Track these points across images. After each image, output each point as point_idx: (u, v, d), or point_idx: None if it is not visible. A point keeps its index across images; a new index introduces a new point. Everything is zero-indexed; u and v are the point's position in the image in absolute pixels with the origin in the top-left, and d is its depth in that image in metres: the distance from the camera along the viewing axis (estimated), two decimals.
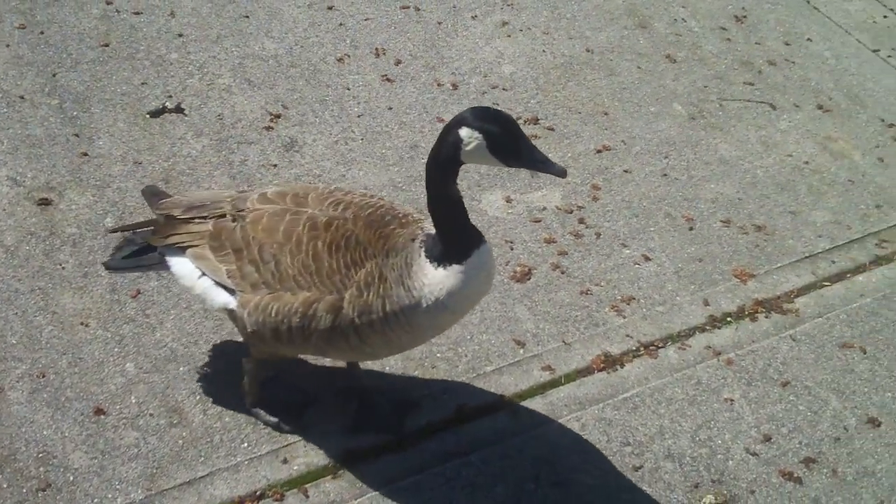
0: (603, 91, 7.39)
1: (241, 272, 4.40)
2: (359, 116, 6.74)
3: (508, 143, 3.94)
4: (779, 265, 6.30)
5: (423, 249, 4.23)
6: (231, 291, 4.48)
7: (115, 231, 5.36)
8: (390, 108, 6.86)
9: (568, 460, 5.03)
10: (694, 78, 7.67)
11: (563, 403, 5.29)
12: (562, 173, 3.97)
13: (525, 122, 6.94)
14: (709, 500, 4.94)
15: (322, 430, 4.96)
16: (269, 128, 6.51)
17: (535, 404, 5.23)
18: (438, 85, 7.14)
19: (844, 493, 5.09)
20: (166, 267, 4.71)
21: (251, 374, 4.88)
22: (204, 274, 4.55)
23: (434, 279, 4.18)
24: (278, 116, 6.62)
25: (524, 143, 3.96)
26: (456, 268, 4.16)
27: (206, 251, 4.51)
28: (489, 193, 6.38)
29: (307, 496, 4.69)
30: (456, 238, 4.18)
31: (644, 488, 4.96)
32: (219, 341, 5.29)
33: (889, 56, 8.29)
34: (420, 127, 6.74)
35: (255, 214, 4.44)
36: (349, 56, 7.23)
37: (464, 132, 3.92)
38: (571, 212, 6.34)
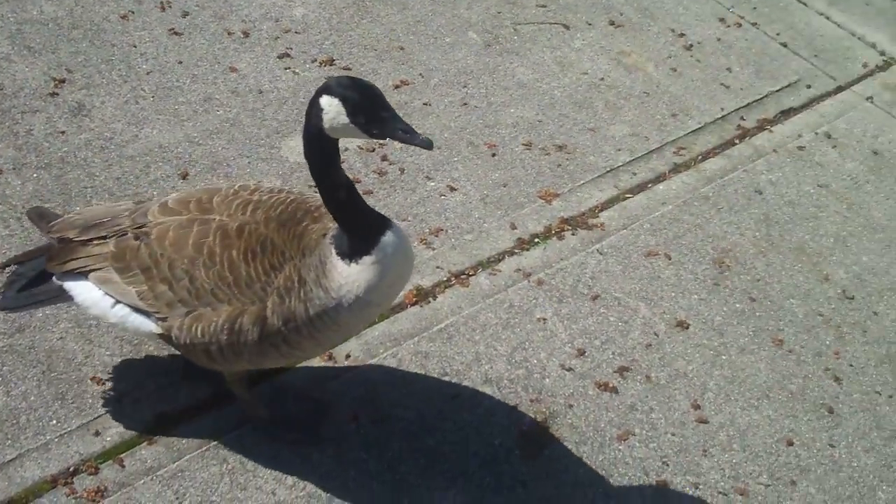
0: (397, 26, 7.34)
1: (153, 292, 4.15)
2: (148, 73, 6.54)
3: (368, 110, 3.73)
4: (581, 182, 6.39)
5: (332, 246, 4.04)
6: (146, 313, 4.24)
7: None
8: (180, 62, 6.67)
9: (387, 397, 5.03)
10: (487, 5, 7.68)
11: (378, 342, 5.27)
12: (427, 145, 3.82)
13: (320, 63, 6.86)
14: (529, 420, 5.01)
15: (133, 397, 4.84)
16: (53, 94, 6.27)
17: (351, 346, 5.20)
18: (229, 34, 6.98)
19: (659, 397, 5.23)
20: (69, 297, 4.35)
21: (237, 388, 4.66)
22: (118, 301, 4.26)
23: (348, 277, 4.01)
24: (63, 81, 6.37)
25: (386, 111, 3.76)
26: (367, 260, 3.99)
27: (111, 274, 4.21)
28: (289, 139, 6.28)
29: (123, 466, 4.58)
30: (358, 228, 4.00)
31: (464, 415, 5.01)
32: (14, 319, 5.09)
33: None
34: (213, 79, 6.58)
35: (159, 230, 4.17)
36: (133, 13, 7.00)
37: (324, 100, 3.74)
38: (373, 150, 6.30)
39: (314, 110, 3.78)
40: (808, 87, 7.49)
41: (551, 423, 5.03)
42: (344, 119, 3.74)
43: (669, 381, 5.33)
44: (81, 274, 4.27)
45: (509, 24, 7.54)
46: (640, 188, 6.43)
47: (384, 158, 6.26)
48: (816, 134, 7.10)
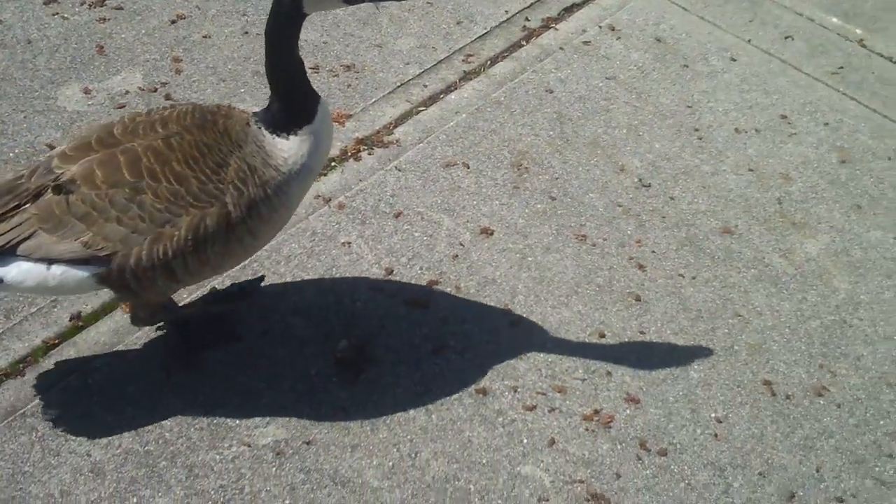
0: None
1: (101, 235, 4.01)
2: None
3: None
4: (373, 100, 6.32)
5: (262, 128, 4.21)
6: (85, 262, 4.08)
7: None
8: None
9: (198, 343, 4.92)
10: None
11: None
12: None
13: (90, 6, 6.57)
14: (344, 345, 4.96)
15: None
16: None
17: None
18: None
19: (470, 307, 5.25)
20: None
21: (150, 319, 4.69)
22: (52, 262, 4.07)
23: (291, 149, 4.20)
24: None
25: None
26: (307, 129, 4.20)
27: (41, 237, 4.03)
28: (65, 88, 6.03)
29: None
30: (304, 102, 4.20)
31: (277, 350, 4.93)
32: None
33: None
34: None
35: (82, 172, 4.03)
36: None
37: None
38: (156, 90, 6.10)
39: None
40: None
41: (366, 346, 5.00)
42: None
43: (479, 289, 5.34)
44: (6, 253, 4.07)
45: None
46: (433, 100, 6.40)
47: (168, 97, 6.05)
48: (600, 27, 7.16)
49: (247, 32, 6.60)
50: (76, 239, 4.03)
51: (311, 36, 6.64)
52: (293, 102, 4.18)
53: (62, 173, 4.07)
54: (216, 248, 4.15)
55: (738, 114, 6.63)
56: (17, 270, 4.09)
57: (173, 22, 6.59)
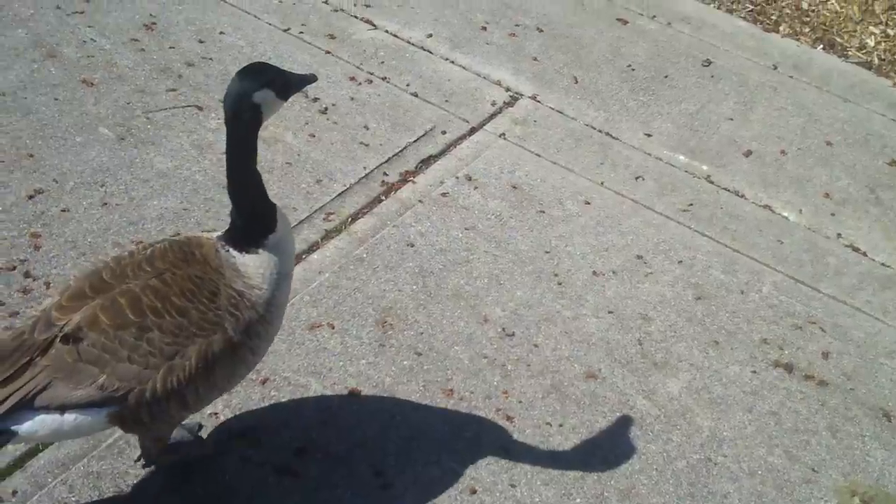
0: (23, 133, 7.05)
1: (115, 376, 4.18)
2: None
3: (282, 81, 4.18)
4: None
5: (229, 251, 4.43)
6: (98, 405, 4.23)
7: None
8: None
9: None
10: (115, 97, 7.51)
11: None
12: (314, 78, 4.38)
13: None
14: None
15: None
16: None
17: None
18: None
19: (341, 471, 5.24)
20: (10, 437, 4.22)
21: (164, 455, 4.91)
22: (63, 409, 4.19)
23: (262, 262, 4.42)
24: None
25: (286, 72, 4.23)
26: (271, 239, 4.43)
27: (58, 387, 4.17)
28: None
29: None
30: (264, 212, 4.43)
31: None
32: None
33: (300, 32, 8.54)
34: None
35: (87, 318, 4.20)
36: None
37: (257, 97, 4.08)
38: (14, 268, 6.04)
39: (248, 112, 4.11)
40: (444, 133, 7.72)
41: None
42: (273, 102, 4.17)
43: (349, 452, 5.35)
44: (24, 407, 4.17)
45: (141, 114, 7.40)
46: (297, 260, 6.44)
47: (27, 275, 5.99)
48: (457, 178, 7.33)
49: (106, 203, 6.59)
50: (92, 383, 4.18)
51: (172, 203, 6.67)
52: (256, 216, 4.41)
53: (65, 323, 4.21)
54: (223, 371, 4.40)
55: (595, 256, 6.82)
56: (31, 422, 4.20)
57: (31, 197, 6.56)
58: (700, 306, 6.56)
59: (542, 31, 9.09)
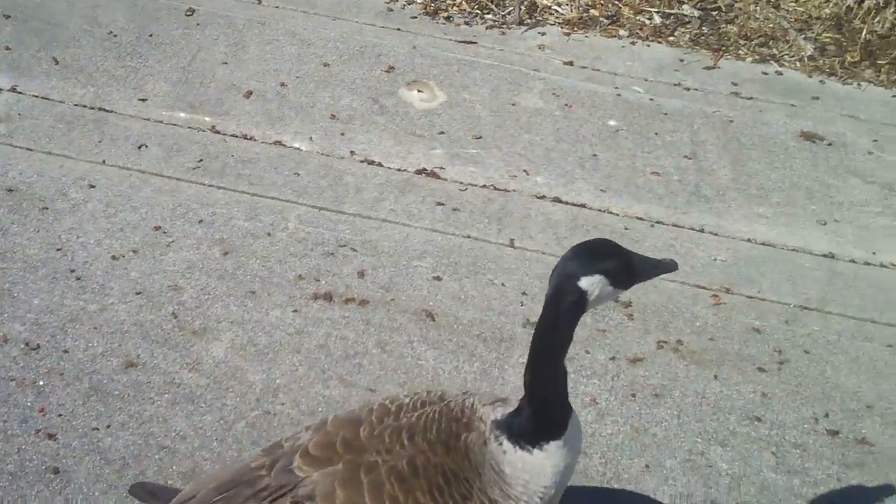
0: None
1: None
2: None
3: (624, 268, 3.55)
4: None
5: (501, 444, 3.75)
6: None
7: None
8: None
9: None
10: None
11: None
12: (674, 266, 3.67)
13: None
14: None
15: None
16: None
17: None
18: None
19: None
20: None
21: None
22: None
23: (534, 467, 3.73)
24: None
25: (634, 256, 3.60)
26: (554, 444, 3.74)
27: None
28: None
29: None
30: (560, 411, 3.76)
31: None
32: None
33: None
34: None
35: (323, 490, 3.74)
36: None
37: (584, 283, 3.48)
38: None
39: (571, 298, 3.50)
40: None
41: None
42: (607, 291, 3.56)
43: None
44: None
45: None
46: None
47: None
48: None
49: None
50: None
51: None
52: (547, 411, 3.74)
53: (302, 480, 3.82)
54: None
55: (112, 240, 6.46)
56: None
57: None
58: (230, 261, 6.39)
59: (9, 17, 8.46)
